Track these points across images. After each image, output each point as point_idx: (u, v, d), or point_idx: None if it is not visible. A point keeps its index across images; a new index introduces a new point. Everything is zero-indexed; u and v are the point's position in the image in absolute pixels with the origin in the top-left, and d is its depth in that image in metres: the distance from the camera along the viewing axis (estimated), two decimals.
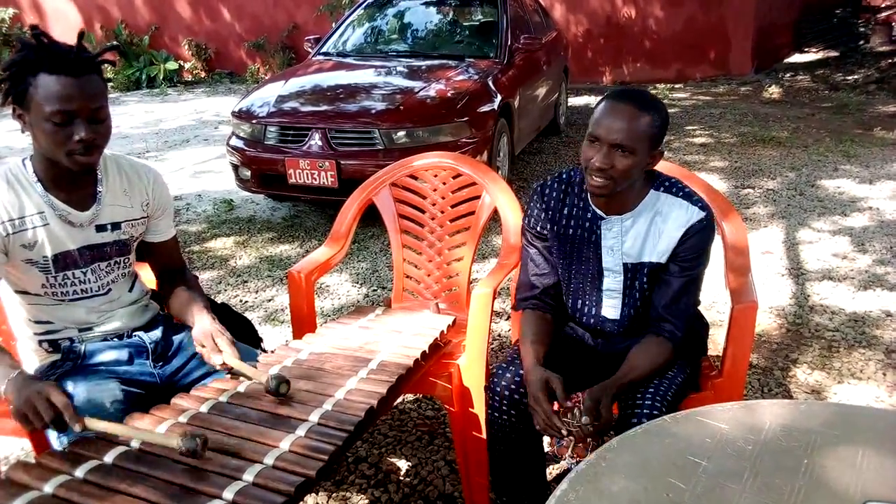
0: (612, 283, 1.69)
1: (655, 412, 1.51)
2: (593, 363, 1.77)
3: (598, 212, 1.64)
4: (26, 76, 1.41)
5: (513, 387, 1.66)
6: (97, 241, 1.61)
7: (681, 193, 1.61)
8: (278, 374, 1.44)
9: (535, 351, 1.64)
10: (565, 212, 1.69)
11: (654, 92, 8.77)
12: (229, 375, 1.56)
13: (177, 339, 1.74)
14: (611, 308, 1.72)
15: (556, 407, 1.55)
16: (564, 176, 1.72)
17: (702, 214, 1.59)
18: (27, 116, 1.45)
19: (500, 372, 1.70)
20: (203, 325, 1.61)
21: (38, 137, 1.46)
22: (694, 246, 1.60)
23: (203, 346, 1.58)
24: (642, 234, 1.62)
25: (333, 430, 1.32)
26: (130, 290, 1.72)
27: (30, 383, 1.33)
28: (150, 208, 1.72)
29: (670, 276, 1.63)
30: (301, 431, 1.31)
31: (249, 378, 1.50)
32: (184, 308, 1.70)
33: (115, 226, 1.64)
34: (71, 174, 1.52)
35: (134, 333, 1.70)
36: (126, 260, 1.69)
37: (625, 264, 1.65)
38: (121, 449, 1.26)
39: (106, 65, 1.53)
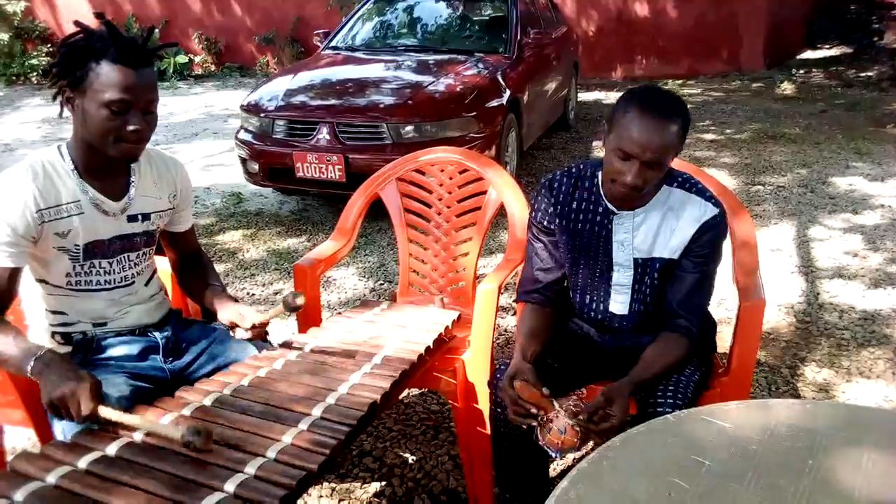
0: (622, 278, 1.67)
1: (682, 407, 1.50)
2: (599, 358, 1.77)
3: (610, 207, 1.63)
4: (88, 61, 1.43)
5: None
6: (128, 231, 1.63)
7: (694, 189, 1.60)
8: (292, 293, 1.55)
9: (524, 347, 1.64)
10: (574, 206, 1.67)
11: (665, 88, 8.72)
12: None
13: (187, 335, 1.76)
14: (618, 304, 1.71)
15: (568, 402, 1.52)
16: (574, 170, 1.70)
17: (715, 211, 1.58)
18: (78, 100, 1.46)
19: (504, 368, 1.69)
20: (229, 307, 1.68)
21: (87, 122, 1.46)
22: (708, 242, 1.59)
23: (234, 326, 1.64)
24: (654, 230, 1.61)
25: (336, 424, 1.32)
26: (147, 283, 1.73)
27: (64, 372, 1.33)
28: (177, 200, 1.74)
29: (684, 271, 1.61)
30: (304, 425, 1.31)
31: (277, 315, 1.61)
32: (208, 298, 1.74)
33: (146, 216, 1.66)
34: (109, 162, 1.53)
35: (146, 331, 1.71)
36: (151, 251, 1.72)
37: (635, 259, 1.64)
38: (124, 440, 1.26)
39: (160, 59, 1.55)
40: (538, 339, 1.68)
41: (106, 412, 1.30)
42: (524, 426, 1.52)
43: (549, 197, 1.69)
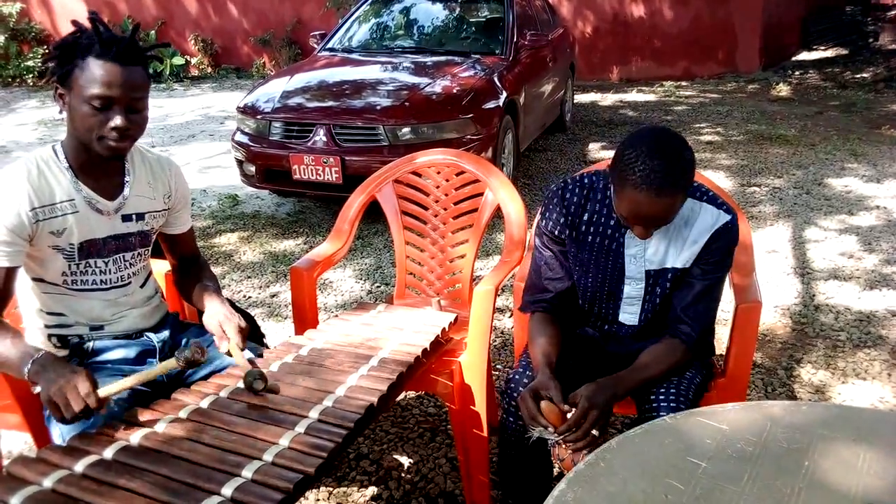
0: (633, 290, 1.66)
1: (682, 409, 1.50)
2: (606, 363, 1.75)
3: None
4: (75, 58, 1.44)
5: None
6: (122, 231, 1.63)
7: (705, 197, 1.59)
8: (255, 371, 1.43)
9: (546, 355, 1.60)
10: (585, 218, 1.64)
11: (660, 90, 8.74)
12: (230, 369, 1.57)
13: (184, 338, 1.75)
14: (629, 314, 1.70)
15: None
16: (586, 181, 1.66)
17: (727, 217, 1.57)
18: (68, 97, 1.47)
19: (518, 377, 1.68)
20: (213, 310, 1.64)
21: (74, 118, 1.47)
22: (719, 249, 1.58)
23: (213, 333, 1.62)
24: (665, 240, 1.59)
25: (333, 426, 1.32)
26: (143, 285, 1.73)
27: (60, 370, 1.33)
28: (172, 201, 1.74)
29: (693, 278, 1.60)
30: (301, 428, 1.31)
31: (239, 368, 1.52)
32: (197, 295, 1.73)
33: (140, 216, 1.66)
34: (101, 161, 1.53)
35: (143, 334, 1.71)
36: (147, 252, 1.72)
37: (647, 271, 1.63)
38: (121, 444, 1.26)
39: (153, 60, 1.55)
40: (555, 348, 1.64)
41: (104, 390, 1.32)
42: (534, 439, 1.50)
43: (561, 206, 1.65)
